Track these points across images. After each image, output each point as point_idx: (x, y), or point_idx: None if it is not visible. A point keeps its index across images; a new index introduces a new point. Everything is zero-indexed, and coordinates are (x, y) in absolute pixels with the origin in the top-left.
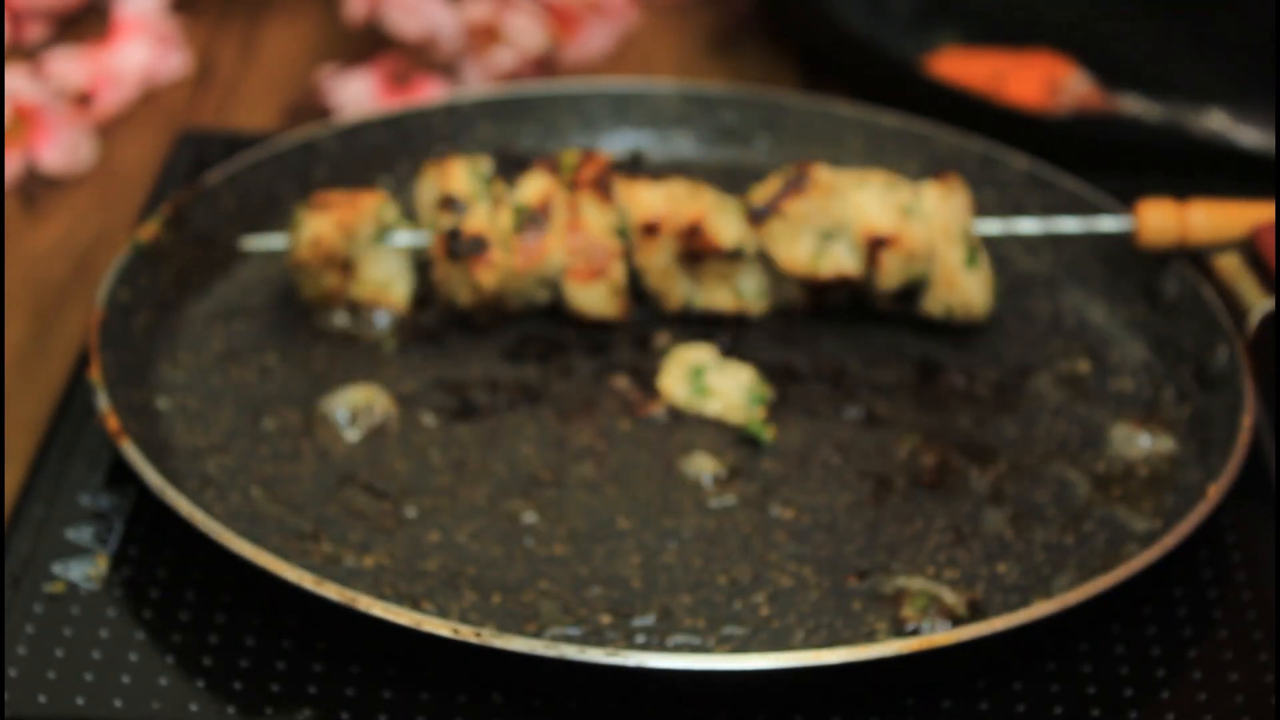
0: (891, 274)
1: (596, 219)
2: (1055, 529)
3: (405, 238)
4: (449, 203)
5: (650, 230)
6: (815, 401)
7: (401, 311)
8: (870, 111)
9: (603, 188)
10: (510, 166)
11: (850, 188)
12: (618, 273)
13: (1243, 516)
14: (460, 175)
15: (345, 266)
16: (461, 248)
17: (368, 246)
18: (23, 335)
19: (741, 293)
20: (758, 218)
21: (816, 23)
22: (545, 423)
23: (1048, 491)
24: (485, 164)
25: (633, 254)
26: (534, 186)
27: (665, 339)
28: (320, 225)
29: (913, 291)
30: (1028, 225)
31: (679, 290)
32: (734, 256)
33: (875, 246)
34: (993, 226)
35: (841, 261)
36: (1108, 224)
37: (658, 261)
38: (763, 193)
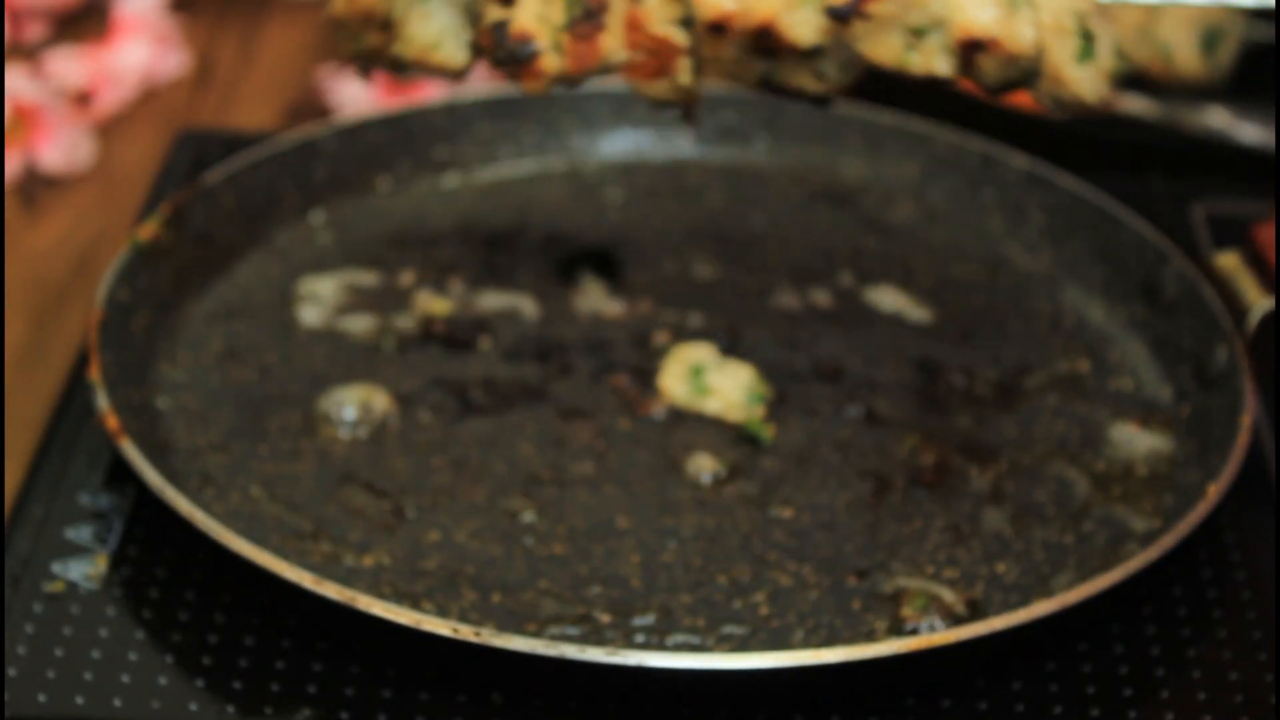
0: (990, 76)
1: (659, 10)
2: (1055, 529)
3: None
4: None
5: (717, 30)
6: (815, 401)
7: (455, 73)
8: (870, 111)
9: None
10: None
11: None
12: (684, 69)
13: (1243, 516)
14: None
15: (385, 25)
16: (508, 51)
17: (412, 2)
18: (23, 335)
19: (824, 73)
20: (839, 17)
21: None
22: (545, 422)
23: (1047, 491)
24: None
25: (700, 47)
26: None
27: (665, 338)
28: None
29: (1018, 82)
30: None
31: (754, 73)
32: (812, 54)
33: (971, 49)
34: None
35: (934, 62)
36: None
37: (728, 54)
38: None
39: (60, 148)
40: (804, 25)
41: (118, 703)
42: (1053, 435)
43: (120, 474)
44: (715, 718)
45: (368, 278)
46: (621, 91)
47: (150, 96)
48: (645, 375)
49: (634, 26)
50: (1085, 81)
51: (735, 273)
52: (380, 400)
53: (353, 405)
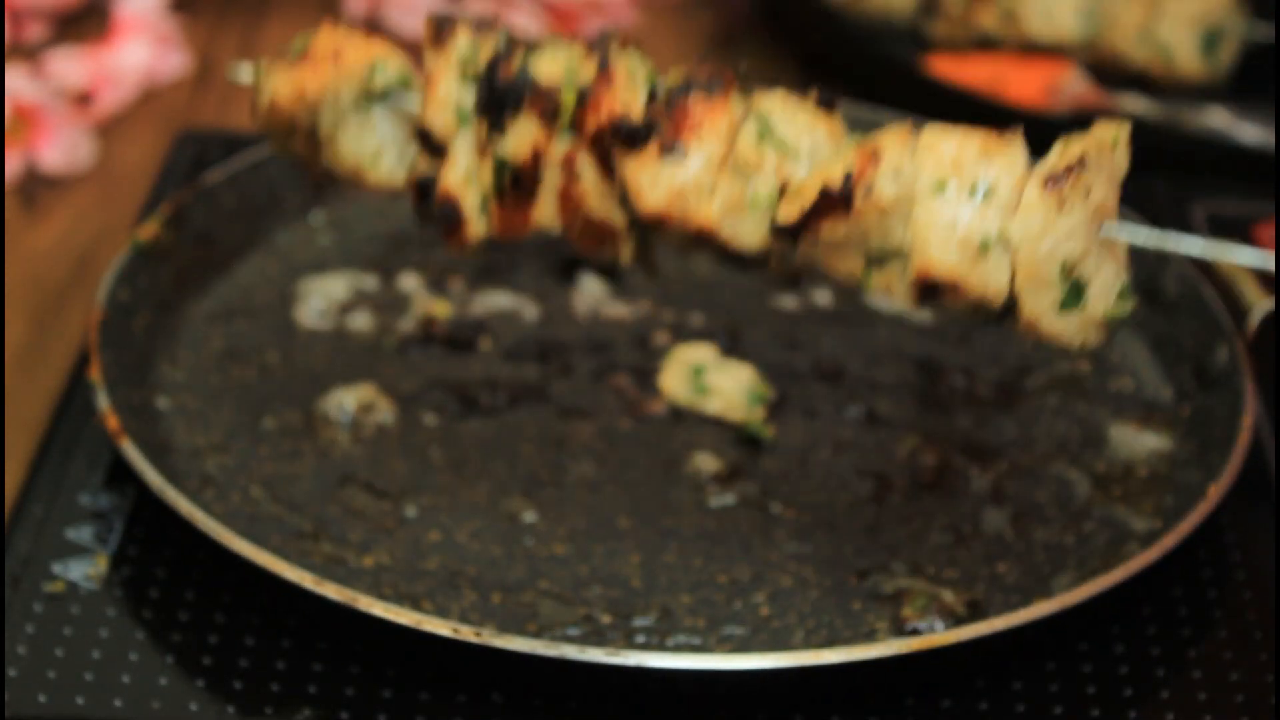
0: (956, 310)
1: (594, 192)
2: (1055, 529)
3: (410, 100)
4: (425, 138)
5: (656, 224)
6: (815, 401)
7: (393, 190)
8: (870, 111)
9: (604, 155)
10: (497, 100)
11: (918, 194)
12: (624, 244)
13: (1243, 516)
14: (447, 94)
15: (311, 137)
16: (432, 209)
17: (350, 111)
18: (23, 335)
19: (786, 260)
20: (784, 236)
21: (816, 23)
22: (545, 422)
23: (1048, 491)
24: (481, 60)
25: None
26: (521, 135)
27: (665, 338)
28: (280, 88)
29: (992, 317)
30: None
31: (707, 253)
32: (755, 262)
33: (931, 289)
34: (1137, 236)
35: (895, 287)
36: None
37: (674, 239)
38: (793, 202)
39: (60, 148)
40: (748, 235)
41: (118, 703)
42: (1053, 435)
43: (120, 474)
44: (715, 718)
45: (368, 278)
46: None
47: (150, 96)
48: (645, 375)
49: (568, 204)
50: (1067, 331)
51: (735, 273)
52: (380, 400)
53: (353, 405)
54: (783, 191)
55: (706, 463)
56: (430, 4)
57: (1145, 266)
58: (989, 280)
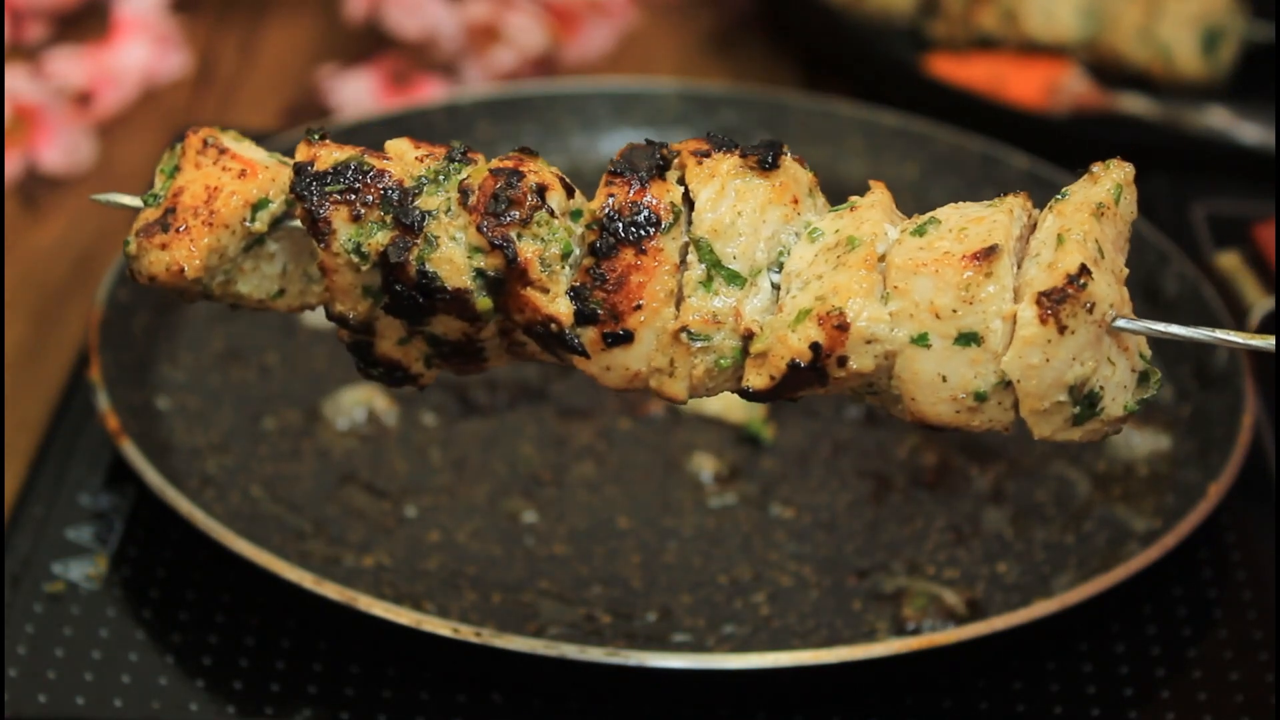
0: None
1: (546, 354)
2: (1055, 528)
3: (291, 225)
4: (343, 321)
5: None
6: (815, 401)
7: (312, 309)
8: (870, 111)
9: (550, 349)
10: (406, 308)
11: (899, 349)
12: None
13: (1243, 516)
14: (348, 284)
15: (207, 297)
16: (380, 375)
17: (239, 259)
18: (23, 335)
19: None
20: (763, 401)
21: (816, 23)
22: (545, 422)
23: (1048, 491)
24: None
25: None
26: (448, 327)
27: None
28: (155, 269)
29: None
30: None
31: None
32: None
33: (930, 429)
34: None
35: (896, 417)
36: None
37: None
38: (761, 371)
39: (60, 148)
40: (723, 396)
41: (118, 703)
42: None
43: (120, 474)
44: (715, 717)
45: None
46: (622, 91)
47: (150, 96)
48: None
49: (523, 356)
50: (1087, 437)
51: None
52: (380, 400)
53: (353, 405)
54: (746, 347)
55: (706, 463)
56: (430, 5)
57: (1145, 266)
58: (992, 421)
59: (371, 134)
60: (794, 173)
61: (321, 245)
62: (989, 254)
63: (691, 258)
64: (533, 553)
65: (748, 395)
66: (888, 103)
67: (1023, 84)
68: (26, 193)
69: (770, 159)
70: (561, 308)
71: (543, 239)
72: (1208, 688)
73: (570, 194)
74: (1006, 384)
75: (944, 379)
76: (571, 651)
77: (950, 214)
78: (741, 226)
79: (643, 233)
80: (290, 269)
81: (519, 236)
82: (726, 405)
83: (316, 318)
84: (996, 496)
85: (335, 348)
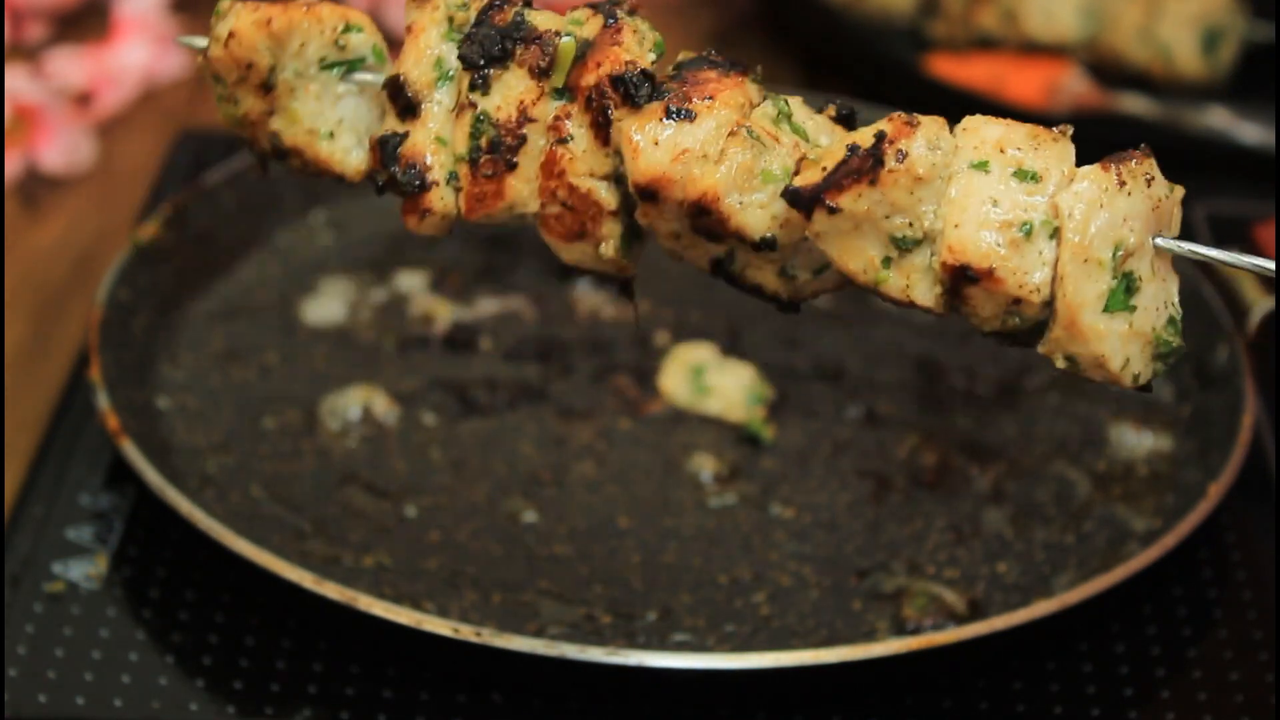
0: (984, 316)
1: (584, 159)
2: (1055, 528)
3: (369, 79)
4: (397, 92)
5: (648, 196)
6: (815, 401)
7: (342, 177)
8: (871, 111)
9: (601, 114)
10: (484, 46)
11: (955, 171)
12: (609, 233)
13: (1243, 516)
14: (429, 45)
15: (266, 88)
16: (393, 173)
17: (314, 69)
18: (23, 335)
19: (791, 274)
20: (798, 205)
21: (816, 23)
22: (545, 422)
23: (1048, 491)
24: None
25: (634, 212)
26: (508, 91)
27: (665, 338)
28: (243, 17)
29: (1021, 335)
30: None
31: (704, 256)
32: (763, 246)
33: (961, 279)
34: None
35: (915, 287)
36: None
37: (666, 226)
38: (812, 168)
39: (60, 148)
40: (754, 210)
41: (118, 703)
42: (1053, 435)
43: (120, 474)
44: (715, 717)
45: (368, 278)
46: None
47: (150, 96)
48: (645, 375)
49: (551, 171)
50: (1109, 339)
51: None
52: (380, 400)
53: (353, 405)
54: (798, 169)
55: (706, 463)
56: None
57: None
58: (1029, 270)
59: None
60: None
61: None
62: (1061, 130)
63: (769, 105)
64: (533, 553)
65: (791, 195)
66: (888, 103)
67: (1023, 84)
68: (26, 193)
69: (847, 116)
70: (645, 58)
71: (640, 33)
72: (1208, 688)
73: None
74: (1054, 234)
75: (995, 203)
76: (571, 651)
77: None
78: (815, 121)
79: (730, 68)
80: (348, 125)
81: (625, 13)
82: (726, 405)
83: (317, 317)
84: (996, 496)
85: (335, 348)
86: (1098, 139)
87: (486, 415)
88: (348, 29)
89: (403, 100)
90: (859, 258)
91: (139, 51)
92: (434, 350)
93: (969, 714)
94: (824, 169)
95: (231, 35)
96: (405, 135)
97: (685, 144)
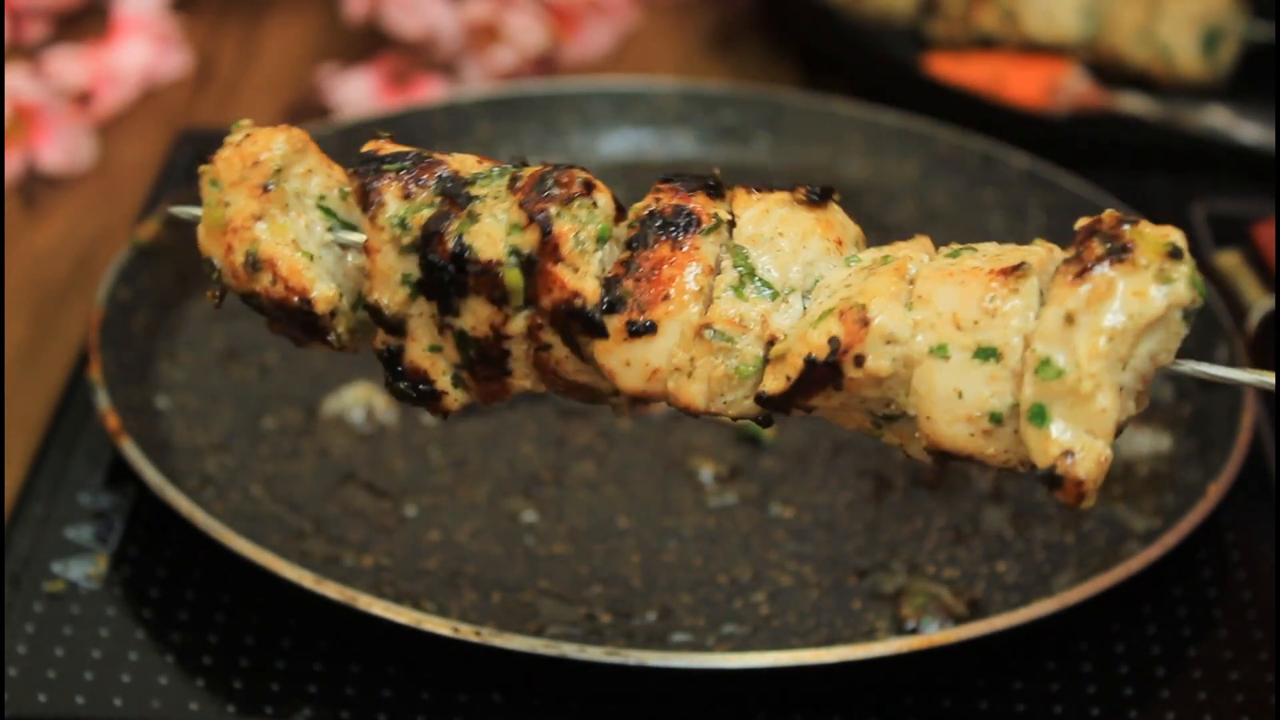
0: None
1: (570, 360)
2: (1055, 528)
3: (354, 239)
4: (377, 314)
5: (640, 401)
6: None
7: (314, 304)
8: (870, 111)
9: (568, 338)
10: (438, 283)
11: (917, 358)
12: (619, 400)
13: (1243, 516)
14: (389, 268)
15: (265, 189)
16: (406, 390)
17: (307, 202)
18: (23, 335)
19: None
20: (775, 409)
21: (816, 23)
22: (545, 422)
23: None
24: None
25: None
26: (476, 314)
27: None
28: (266, 133)
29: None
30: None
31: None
32: (759, 423)
33: (946, 458)
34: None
35: (908, 445)
36: None
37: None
38: (779, 373)
39: (60, 148)
40: (740, 404)
41: (118, 702)
42: None
43: (120, 474)
44: (715, 717)
45: None
46: (622, 91)
47: (150, 96)
48: None
49: (546, 370)
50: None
51: None
52: (380, 400)
53: (353, 405)
54: (768, 355)
55: (706, 463)
56: (430, 5)
57: None
58: (1009, 449)
59: (371, 134)
60: (841, 217)
61: (368, 217)
62: (1016, 270)
63: (727, 264)
64: (533, 552)
65: (763, 402)
66: (888, 103)
67: (1023, 84)
68: (26, 193)
69: (819, 195)
70: (589, 285)
71: (580, 220)
72: (1208, 688)
73: (618, 205)
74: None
75: (960, 394)
76: (571, 651)
77: (989, 247)
78: (782, 244)
79: (681, 231)
80: (326, 268)
81: (558, 215)
82: None
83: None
84: (996, 496)
85: None
86: (1098, 139)
87: (486, 415)
88: (329, 195)
89: (385, 323)
90: (852, 422)
91: (139, 51)
92: None
93: (969, 714)
94: (788, 378)
95: (249, 136)
96: (401, 348)
97: (655, 362)
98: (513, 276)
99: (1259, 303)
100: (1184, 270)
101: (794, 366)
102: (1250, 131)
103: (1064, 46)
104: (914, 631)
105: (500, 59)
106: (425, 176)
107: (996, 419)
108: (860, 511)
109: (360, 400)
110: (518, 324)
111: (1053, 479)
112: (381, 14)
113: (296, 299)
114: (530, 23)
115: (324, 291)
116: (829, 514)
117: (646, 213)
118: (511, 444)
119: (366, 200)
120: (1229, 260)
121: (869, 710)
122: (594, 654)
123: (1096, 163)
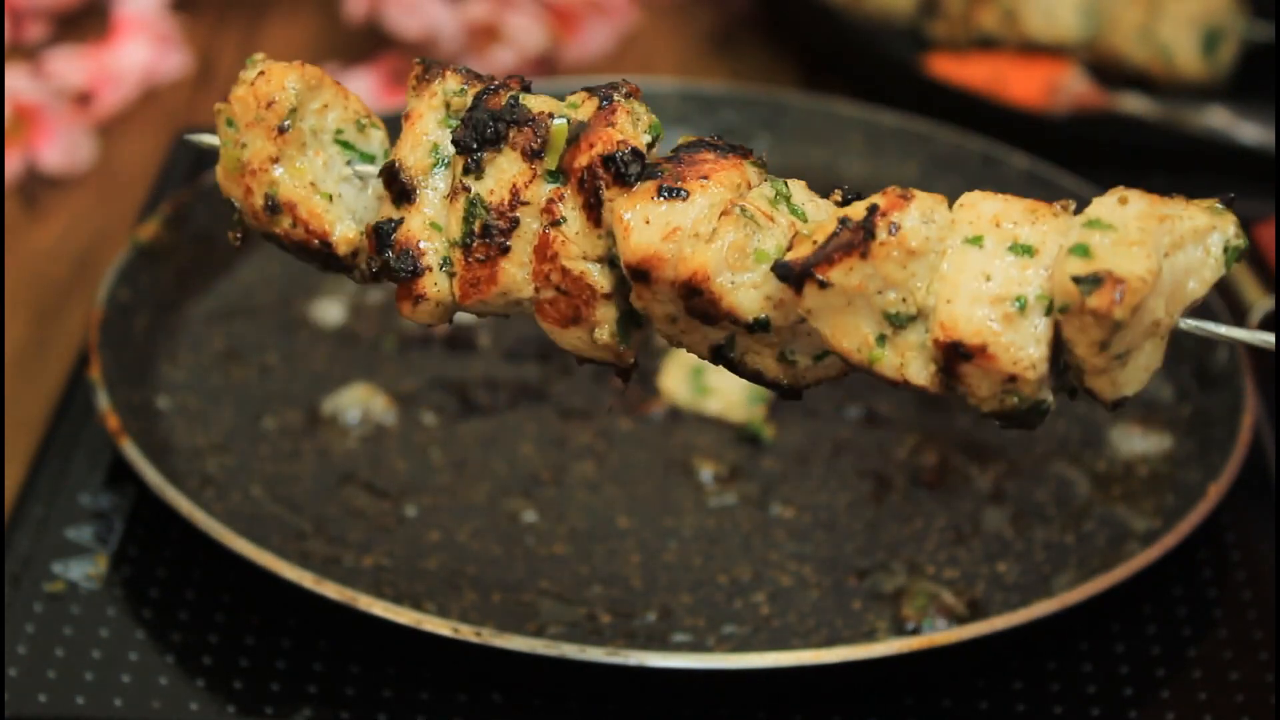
0: (981, 396)
1: (577, 241)
2: (1055, 528)
3: (373, 171)
4: (392, 177)
5: (640, 276)
6: (815, 401)
7: (326, 242)
8: (870, 111)
9: (594, 195)
10: (478, 130)
11: (949, 246)
12: (603, 317)
13: (1243, 516)
14: (425, 131)
15: (281, 130)
16: (387, 259)
17: (324, 138)
18: (23, 335)
19: (791, 359)
20: (788, 279)
21: (816, 23)
22: (545, 422)
23: (1048, 491)
24: (463, 98)
25: (629, 296)
26: (501, 174)
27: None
28: (279, 70)
29: (1019, 416)
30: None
31: (703, 343)
32: (756, 328)
33: (955, 357)
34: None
35: (910, 365)
36: None
37: (661, 309)
38: (804, 241)
39: (60, 148)
40: (746, 290)
41: (118, 703)
42: (1053, 435)
43: (121, 474)
44: (715, 717)
45: None
46: None
47: (150, 96)
48: (645, 375)
49: (545, 254)
50: (1112, 384)
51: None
52: (380, 400)
53: (353, 405)
54: (792, 245)
55: (706, 463)
56: (430, 5)
57: None
58: (1023, 345)
59: None
60: None
61: (416, 91)
62: (1064, 204)
63: (765, 187)
64: (533, 553)
65: (780, 270)
66: (888, 103)
67: (1023, 84)
68: (26, 193)
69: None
70: (640, 139)
71: (636, 111)
72: (1208, 688)
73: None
74: (1049, 309)
75: (988, 277)
76: (571, 651)
77: None
78: (816, 202)
79: (727, 151)
80: (345, 204)
81: (621, 97)
82: (727, 405)
83: (317, 317)
84: (996, 496)
85: (335, 348)
86: (1098, 139)
87: (486, 415)
88: (371, 123)
89: (398, 186)
90: (853, 335)
91: (139, 51)
92: (434, 350)
93: (969, 714)
94: (815, 242)
95: (262, 74)
96: (400, 221)
97: (677, 222)
98: (559, 129)
99: (1259, 303)
100: (1230, 216)
101: (824, 232)
102: (1250, 132)
103: (1064, 47)
104: (914, 632)
105: (500, 59)
106: (486, 76)
107: (1021, 304)
108: (860, 512)
109: (360, 401)
110: (539, 191)
111: (1093, 279)
112: (381, 14)
113: (317, 241)
114: (530, 23)
115: (344, 234)
116: (829, 514)
117: (697, 139)
118: (511, 444)
119: (425, 73)
120: None
121: (869, 710)
122: (594, 654)
123: (1096, 163)
